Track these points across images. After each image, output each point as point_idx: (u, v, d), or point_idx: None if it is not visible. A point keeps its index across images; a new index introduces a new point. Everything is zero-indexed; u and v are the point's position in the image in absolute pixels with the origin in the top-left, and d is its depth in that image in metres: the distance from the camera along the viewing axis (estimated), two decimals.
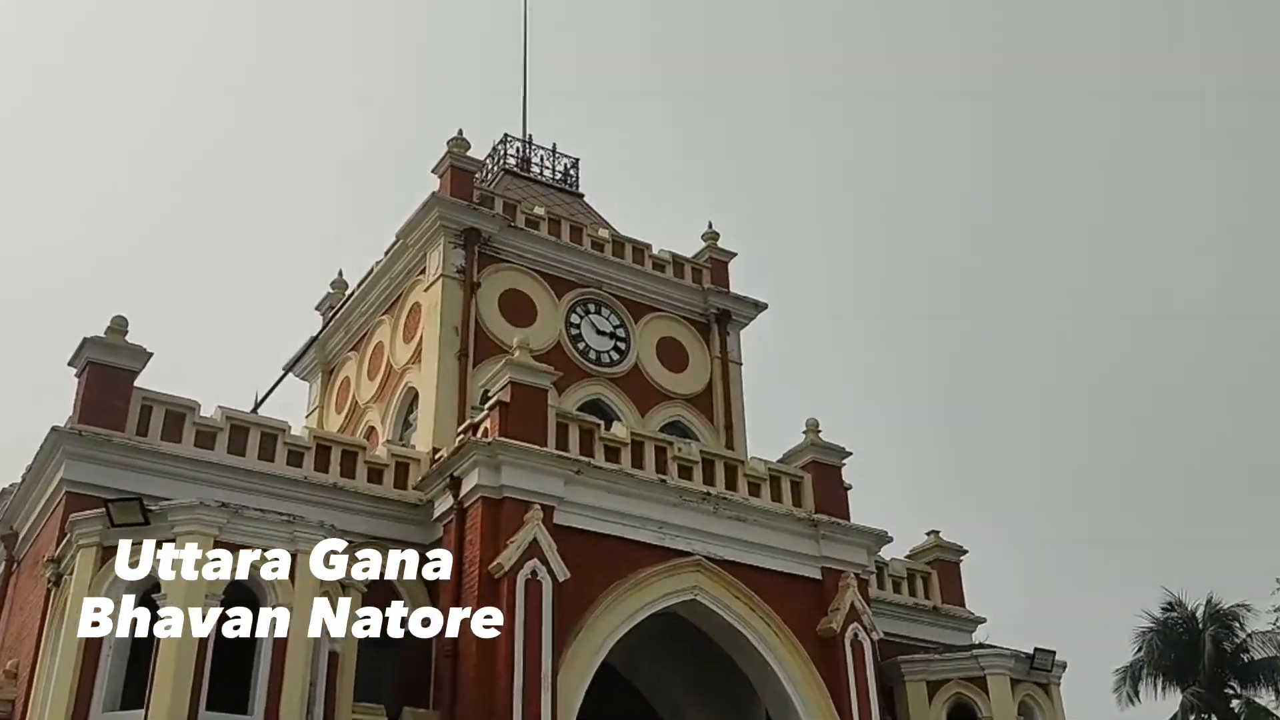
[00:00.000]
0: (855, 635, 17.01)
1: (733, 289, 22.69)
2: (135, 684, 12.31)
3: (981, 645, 19.21)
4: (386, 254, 21.45)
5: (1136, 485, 62.09)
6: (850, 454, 18.64)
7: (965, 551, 21.54)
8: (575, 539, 15.47)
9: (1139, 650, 32.58)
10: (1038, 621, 46.68)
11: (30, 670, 13.67)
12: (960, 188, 65.63)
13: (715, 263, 22.88)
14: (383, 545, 15.95)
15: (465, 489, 15.49)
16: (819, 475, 18.14)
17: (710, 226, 23.37)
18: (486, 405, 16.28)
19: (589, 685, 15.07)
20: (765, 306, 22.86)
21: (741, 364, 22.30)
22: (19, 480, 16.17)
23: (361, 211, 58.80)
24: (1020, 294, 63.90)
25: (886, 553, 20.06)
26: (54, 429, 14.61)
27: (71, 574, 12.93)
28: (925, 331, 64.12)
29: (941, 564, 21.18)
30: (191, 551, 12.58)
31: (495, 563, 14.73)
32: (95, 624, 12.46)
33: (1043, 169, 63.26)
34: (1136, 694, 32.13)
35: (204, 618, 12.42)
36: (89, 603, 12.53)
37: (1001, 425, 63.70)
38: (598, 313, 21.12)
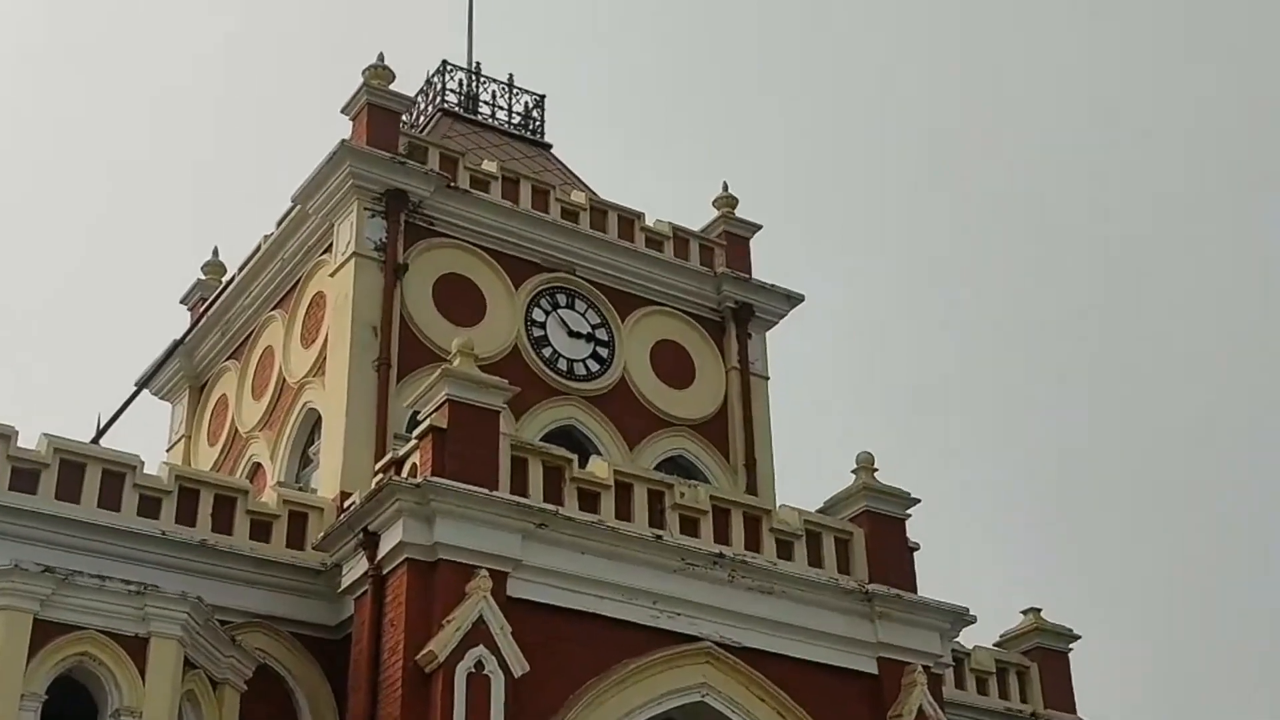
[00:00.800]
0: None
1: (755, 275, 22.72)
2: None
3: None
4: (278, 226, 21.49)
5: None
6: (918, 501, 18.63)
7: (1077, 637, 21.55)
8: (537, 617, 15.46)
9: None
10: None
11: None
12: (1063, 143, 65.86)
13: (731, 239, 22.91)
14: (270, 626, 16.03)
15: (385, 549, 15.46)
16: (874, 530, 18.10)
17: (725, 189, 23.39)
18: (415, 434, 16.22)
19: None
20: (800, 299, 22.90)
21: (768, 378, 22.31)
22: None
23: (250, 169, 58.75)
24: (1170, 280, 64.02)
25: (969, 640, 20.05)
26: None
27: None
28: (1024, 338, 64.17)
29: (1044, 653, 21.18)
30: (3, 633, 12.56)
31: (426, 651, 14.69)
32: None
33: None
34: None
35: None
36: None
37: (1126, 474, 63.77)
38: (570, 307, 21.12)
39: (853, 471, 18.65)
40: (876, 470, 18.63)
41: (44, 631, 12.84)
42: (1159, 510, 61.99)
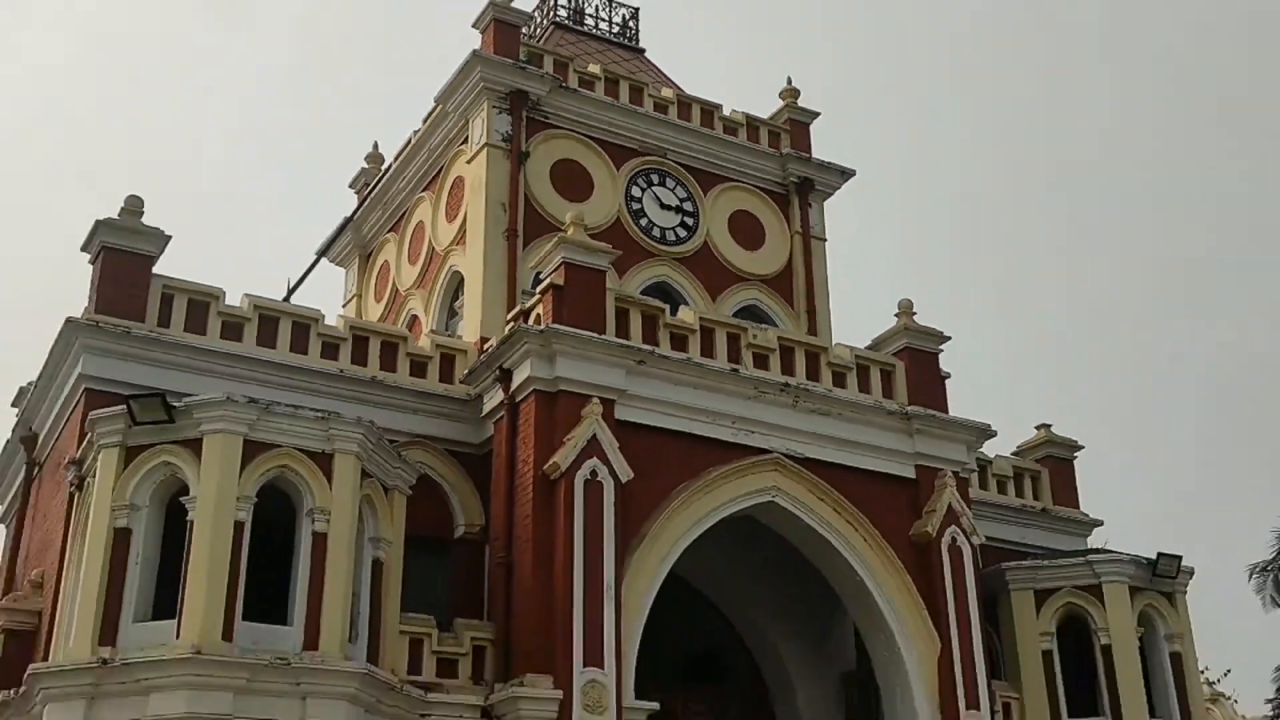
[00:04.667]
0: (954, 540, 17.04)
1: (815, 154, 22.32)
2: (167, 593, 12.78)
3: (1097, 550, 19.15)
4: (425, 123, 21.39)
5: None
6: (949, 338, 18.46)
7: (1081, 447, 21.40)
8: (639, 436, 15.57)
9: (1278, 552, 32.24)
10: (1163, 528, 46.36)
11: (56, 580, 14.23)
12: (1080, 33, 63.37)
13: (795, 125, 22.48)
14: (428, 444, 16.35)
15: (516, 382, 15.61)
16: (913, 363, 18.00)
17: (789, 83, 22.90)
18: (538, 289, 16.31)
19: (658, 598, 15.29)
20: (853, 174, 22.49)
21: (825, 240, 22.04)
22: (36, 378, 16.63)
23: (399, 76, 58.43)
24: (1161, 145, 61.90)
25: (991, 450, 20.01)
26: (69, 320, 14.94)
27: (94, 477, 13.35)
28: (1039, 203, 62.69)
29: (1053, 461, 21.08)
30: (220, 451, 12.90)
31: (551, 462, 14.89)
32: (121, 530, 12.90)
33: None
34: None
35: (236, 522, 12.82)
36: (114, 507, 12.96)
37: (1128, 308, 62.50)
38: (662, 184, 20.93)
39: (895, 315, 18.50)
40: (915, 314, 18.46)
41: (252, 449, 13.10)
42: (1153, 340, 60.84)
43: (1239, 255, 59.78)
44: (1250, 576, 32.80)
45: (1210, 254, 59.47)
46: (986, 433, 18.11)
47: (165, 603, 12.73)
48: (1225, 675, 30.75)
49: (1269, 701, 30.82)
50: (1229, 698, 25.31)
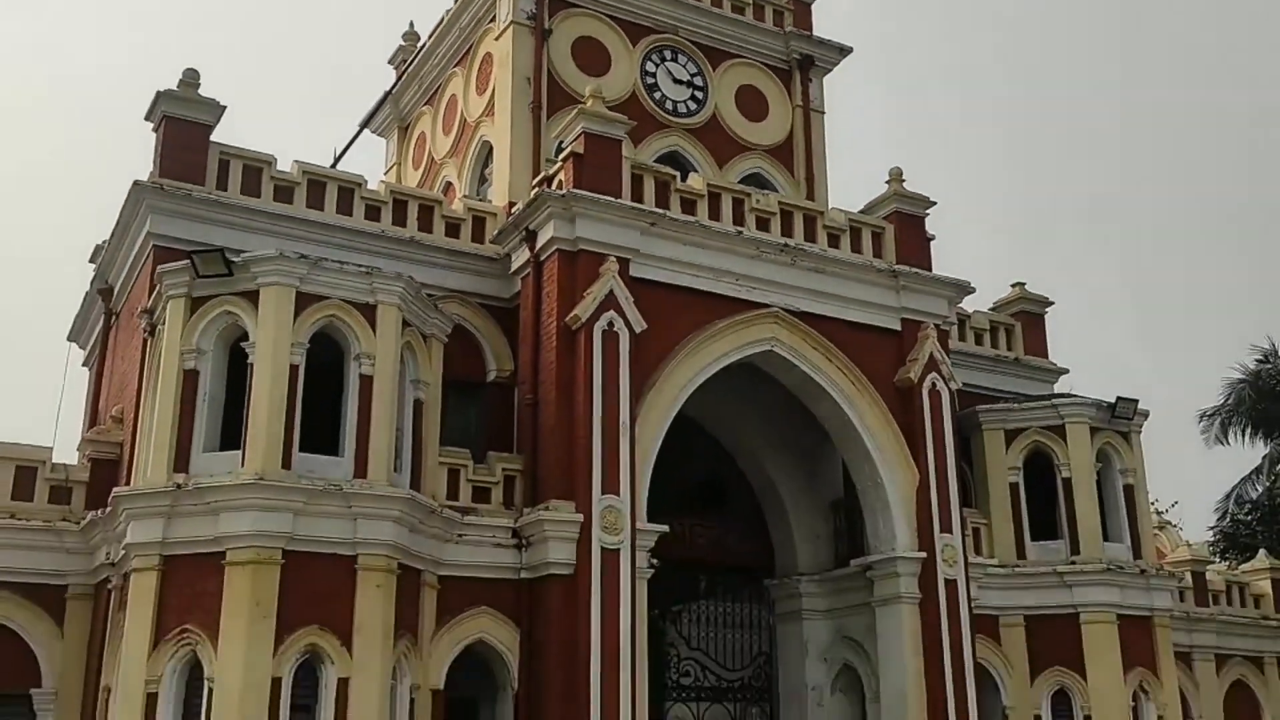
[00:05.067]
0: (934, 385, 17.10)
1: (815, 32, 21.74)
2: (232, 427, 12.98)
3: (1062, 395, 19.24)
4: (456, 2, 20.88)
5: (1237, 233, 60.09)
6: (934, 204, 18.22)
7: (1051, 303, 21.29)
8: (651, 291, 15.53)
9: (1228, 398, 32.45)
10: (1124, 378, 46.48)
11: (134, 416, 14.47)
12: None
13: (797, 4, 21.85)
14: (462, 298, 16.36)
15: (541, 242, 15.54)
16: (901, 226, 17.81)
17: None
18: (560, 157, 16.12)
19: (668, 435, 15.46)
20: (850, 51, 21.92)
21: (824, 113, 21.61)
22: (109, 236, 16.63)
23: None
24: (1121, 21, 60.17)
25: (970, 306, 19.94)
26: (136, 183, 14.87)
27: (164, 325, 13.45)
28: (1016, 76, 61.23)
29: (1026, 316, 20.99)
30: (275, 301, 12.97)
31: (572, 314, 14.91)
32: (189, 371, 13.06)
33: None
34: (1225, 436, 32.22)
35: (291, 365, 12.93)
36: (182, 352, 13.10)
37: (1106, 173, 61.53)
38: (674, 60, 20.47)
39: (886, 182, 18.25)
40: (904, 180, 18.21)
41: (304, 300, 13.13)
42: (1122, 202, 60.06)
43: (1206, 103, 58.38)
44: (1199, 420, 33.16)
45: (1185, 105, 58.14)
46: (966, 289, 18.00)
47: (231, 436, 12.94)
48: (1173, 506, 31.36)
49: (1210, 529, 31.44)
50: (1175, 526, 25.76)
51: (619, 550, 14.38)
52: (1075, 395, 18.73)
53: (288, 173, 15.77)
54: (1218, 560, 26.01)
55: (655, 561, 14.90)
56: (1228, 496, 31.88)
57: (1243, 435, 32.22)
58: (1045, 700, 17.13)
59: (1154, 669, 17.49)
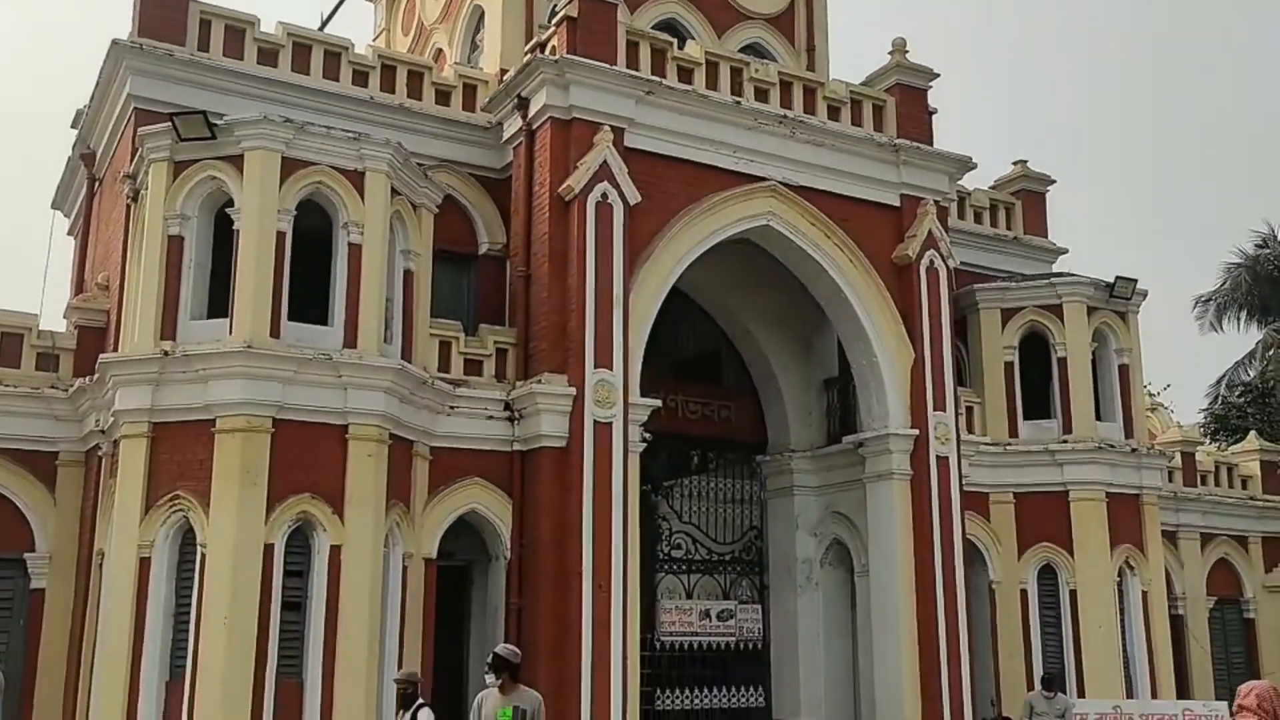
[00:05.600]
0: (931, 262, 16.90)
1: None
2: (219, 296, 12.77)
3: (1060, 273, 19.01)
4: None
5: (1243, 121, 59.21)
6: (937, 76, 17.76)
7: (1053, 181, 20.94)
8: (646, 162, 15.20)
9: (1224, 283, 32.33)
10: (1121, 261, 46.21)
11: (120, 282, 14.24)
12: None
13: None
14: (453, 168, 16.00)
15: (533, 109, 15.13)
16: (903, 99, 17.38)
17: None
18: (553, 22, 15.58)
19: (662, 310, 15.29)
20: None
21: None
22: (89, 99, 16.16)
23: None
24: None
25: (970, 184, 19.60)
26: (115, 42, 14.37)
27: (147, 189, 13.12)
28: None
29: (1027, 194, 20.69)
30: (260, 166, 12.62)
31: (565, 185, 14.60)
32: (174, 237, 12.79)
33: None
34: (1220, 323, 32.19)
35: (278, 232, 12.66)
36: (166, 217, 12.80)
37: (1109, 54, 60.33)
38: None
39: (889, 53, 17.74)
40: (908, 52, 17.71)
41: (289, 165, 12.77)
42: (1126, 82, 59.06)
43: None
44: (1194, 305, 33.08)
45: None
46: (967, 165, 17.66)
47: (219, 304, 12.73)
48: (1165, 389, 31.42)
49: (1201, 411, 31.59)
50: (1167, 408, 25.83)
51: (611, 424, 14.34)
52: (1073, 274, 18.52)
53: (272, 35, 15.26)
54: (1207, 442, 26.14)
55: (648, 435, 14.88)
56: (1219, 381, 31.97)
57: (1238, 321, 32.18)
58: (1032, 575, 17.33)
59: (1140, 546, 17.68)
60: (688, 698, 17.05)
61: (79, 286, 17.18)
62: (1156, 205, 57.87)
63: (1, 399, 14.05)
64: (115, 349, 13.65)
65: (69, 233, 19.01)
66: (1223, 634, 21.43)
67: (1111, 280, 18.06)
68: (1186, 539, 21.15)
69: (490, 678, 8.72)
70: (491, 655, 8.87)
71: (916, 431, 16.39)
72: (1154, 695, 16.95)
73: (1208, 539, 21.54)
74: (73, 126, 17.87)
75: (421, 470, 13.78)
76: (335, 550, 12.34)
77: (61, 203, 19.25)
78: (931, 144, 17.34)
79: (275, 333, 12.47)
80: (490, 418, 14.43)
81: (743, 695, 17.56)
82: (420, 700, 9.72)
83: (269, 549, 12.03)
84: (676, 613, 17.16)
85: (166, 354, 12.34)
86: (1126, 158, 59.08)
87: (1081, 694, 16.36)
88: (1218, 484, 21.96)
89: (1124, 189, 57.74)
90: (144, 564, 12.11)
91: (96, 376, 13.30)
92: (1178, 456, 21.18)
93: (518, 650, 9.23)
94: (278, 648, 11.94)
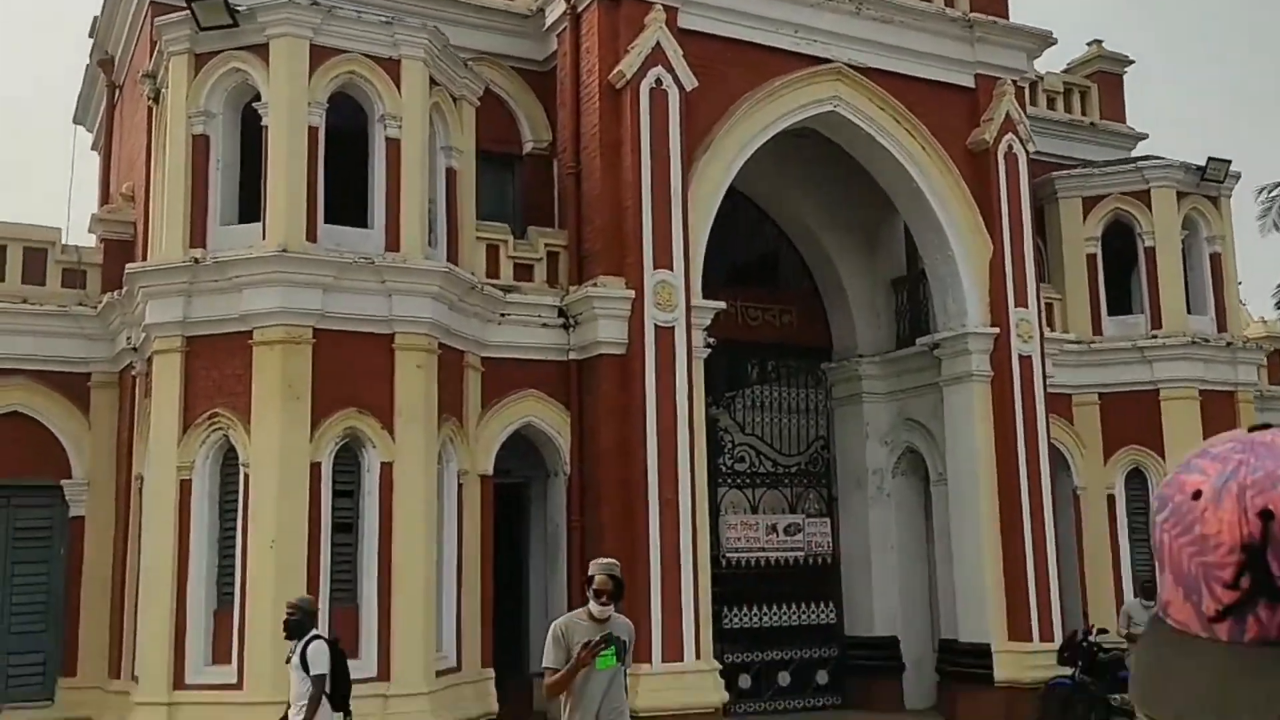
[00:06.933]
0: (1010, 147, 15.61)
1: None
2: (250, 198, 11.78)
3: (1148, 156, 17.66)
4: None
5: None
6: None
7: (1131, 62, 19.49)
8: (703, 44, 14.00)
9: None
10: (1208, 146, 43.90)
11: (145, 190, 13.29)
12: None
13: None
14: (493, 61, 14.87)
15: None
16: None
17: None
18: None
19: (718, 212, 14.21)
20: None
21: None
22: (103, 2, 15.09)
23: None
24: None
25: (1042, 68, 18.17)
26: None
27: (168, 87, 12.09)
28: None
29: (1103, 77, 19.25)
30: (287, 54, 11.55)
31: (616, 71, 13.45)
32: (199, 136, 11.79)
33: None
34: None
35: (310, 126, 11.63)
36: (189, 115, 11.79)
37: None
38: None
39: None
40: None
41: (319, 54, 11.70)
42: None
43: None
44: (1257, 195, 31.12)
45: None
46: (1048, 40, 16.23)
47: (250, 208, 11.74)
48: (1238, 285, 29.87)
49: (1278, 305, 30.00)
50: (1244, 303, 24.45)
51: (673, 328, 13.33)
52: (1162, 157, 17.16)
53: None
54: None
55: (711, 340, 13.87)
56: None
57: None
58: (1120, 479, 16.27)
59: None
60: (756, 615, 16.23)
61: (105, 201, 16.26)
62: (1244, 84, 55.13)
63: (28, 319, 13.21)
64: (144, 259, 12.73)
65: (92, 147, 18.07)
66: None
67: (1204, 162, 16.69)
68: None
69: (595, 604, 6.69)
70: (598, 576, 6.75)
71: (997, 330, 15.25)
72: None
73: None
74: (89, 35, 16.84)
75: (474, 382, 12.86)
76: (386, 468, 11.46)
77: (83, 117, 18.29)
78: (1008, 17, 15.97)
79: (312, 236, 11.50)
80: (544, 325, 13.46)
81: (813, 611, 16.73)
82: (314, 631, 8.31)
83: (315, 468, 11.18)
84: (742, 528, 16.30)
85: (197, 261, 11.40)
86: (1208, 33, 56.28)
87: None
88: None
89: (1207, 67, 54.92)
90: (184, 487, 11.30)
91: (125, 290, 12.41)
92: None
93: (617, 562, 7.36)
94: (330, 573, 11.14)
